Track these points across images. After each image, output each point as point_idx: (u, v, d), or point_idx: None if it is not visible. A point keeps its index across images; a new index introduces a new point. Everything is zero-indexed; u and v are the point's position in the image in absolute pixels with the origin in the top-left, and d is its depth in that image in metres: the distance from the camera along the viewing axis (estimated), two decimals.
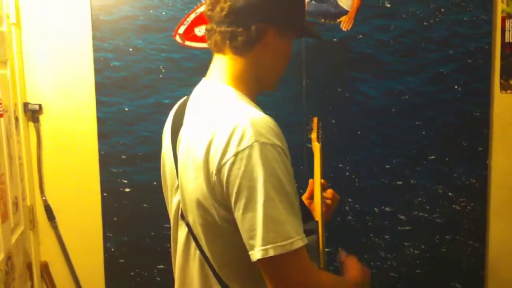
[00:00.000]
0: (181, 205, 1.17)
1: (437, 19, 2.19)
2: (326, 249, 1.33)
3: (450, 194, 2.28)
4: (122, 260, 2.29)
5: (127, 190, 2.27)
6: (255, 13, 1.13)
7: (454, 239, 2.30)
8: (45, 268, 2.29)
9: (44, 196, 2.27)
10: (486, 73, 2.22)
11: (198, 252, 1.15)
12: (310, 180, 1.48)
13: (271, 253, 0.98)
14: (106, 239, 2.29)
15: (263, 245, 0.98)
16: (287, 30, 1.19)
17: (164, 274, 2.29)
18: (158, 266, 2.30)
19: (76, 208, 2.29)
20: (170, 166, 1.22)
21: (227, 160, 1.01)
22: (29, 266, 2.19)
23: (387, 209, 2.29)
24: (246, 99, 1.14)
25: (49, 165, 2.27)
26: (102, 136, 2.24)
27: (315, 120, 1.60)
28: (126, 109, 2.22)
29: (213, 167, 1.03)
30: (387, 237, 2.30)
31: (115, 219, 2.28)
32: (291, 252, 0.99)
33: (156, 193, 2.23)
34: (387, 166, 2.27)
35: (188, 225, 1.15)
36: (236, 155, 1.00)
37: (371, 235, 2.30)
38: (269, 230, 0.98)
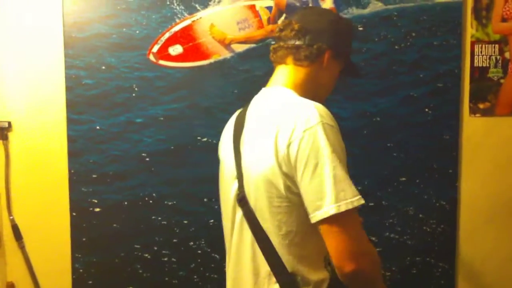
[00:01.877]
0: (239, 191, 1.34)
1: (408, 43, 2.23)
2: None
3: (420, 215, 2.30)
4: (90, 282, 2.24)
5: (97, 209, 2.23)
6: (319, 36, 1.38)
7: (424, 261, 2.31)
8: None
9: (12, 215, 2.22)
10: (455, 97, 2.26)
11: (249, 232, 1.31)
12: None
13: (343, 208, 1.15)
14: (74, 259, 2.24)
15: (336, 202, 1.15)
16: (339, 57, 1.42)
17: None
18: None
19: (44, 228, 2.24)
20: (230, 162, 1.39)
21: (296, 137, 1.20)
22: None
23: None
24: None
25: (17, 183, 2.22)
26: (73, 154, 2.20)
27: None
28: (98, 127, 2.20)
29: (283, 145, 1.21)
30: None
31: (84, 239, 2.23)
32: (355, 209, 1.17)
33: (126, 213, 2.24)
34: (359, 188, 2.24)
35: (244, 207, 1.32)
36: (304, 131, 1.19)
37: None
38: (340, 189, 1.16)
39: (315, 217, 1.18)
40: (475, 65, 2.25)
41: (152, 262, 2.24)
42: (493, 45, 2.24)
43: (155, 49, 2.16)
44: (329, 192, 1.16)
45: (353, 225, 1.18)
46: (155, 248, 2.24)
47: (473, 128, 2.28)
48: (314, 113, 1.22)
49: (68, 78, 2.17)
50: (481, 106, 2.27)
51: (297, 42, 1.38)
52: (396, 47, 2.23)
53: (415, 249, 2.30)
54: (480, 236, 2.32)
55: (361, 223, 1.22)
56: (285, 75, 1.40)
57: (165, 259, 2.25)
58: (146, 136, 2.20)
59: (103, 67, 2.17)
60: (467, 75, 2.26)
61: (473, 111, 2.27)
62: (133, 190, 2.20)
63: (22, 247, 2.23)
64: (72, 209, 2.22)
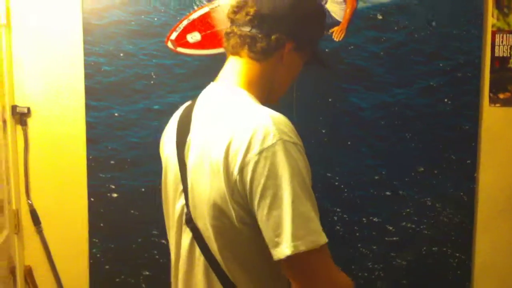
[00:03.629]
0: (185, 210, 1.17)
1: (428, 32, 2.20)
2: None
3: (437, 206, 2.29)
4: (107, 267, 2.27)
5: (115, 195, 2.25)
6: (279, 24, 1.17)
7: (441, 251, 2.31)
8: (29, 273, 2.26)
9: (30, 200, 2.24)
10: (475, 87, 2.24)
11: (202, 257, 1.14)
12: None
13: (303, 248, 0.99)
14: (92, 244, 2.26)
15: (293, 241, 0.98)
16: (302, 48, 1.24)
17: (150, 282, 2.27)
18: (144, 273, 2.28)
19: (62, 213, 2.26)
20: (174, 171, 1.22)
21: (251, 159, 1.01)
22: (12, 271, 2.16)
23: (375, 219, 2.30)
24: (258, 102, 1.16)
25: (36, 169, 2.24)
26: (91, 140, 2.21)
27: None
28: (116, 114, 2.21)
29: (233, 167, 1.03)
30: (375, 247, 2.30)
31: (102, 224, 2.25)
32: (319, 248, 1.01)
33: (144, 200, 2.25)
34: (376, 177, 2.28)
35: (193, 230, 1.15)
36: (260, 153, 1.00)
37: (359, 245, 2.30)
38: (298, 226, 0.99)
39: (274, 255, 1.02)
40: (495, 55, 2.22)
41: (168, 248, 2.25)
42: None
43: (173, 36, 2.16)
44: (287, 228, 0.99)
45: (318, 265, 1.03)
46: None
47: (493, 118, 2.26)
48: (271, 128, 1.02)
49: (87, 65, 2.17)
50: (501, 96, 2.24)
51: (253, 31, 1.17)
52: (416, 36, 2.21)
53: (431, 239, 2.30)
54: (497, 228, 2.31)
55: (330, 258, 1.06)
56: (237, 71, 1.19)
57: None
58: (164, 123, 2.18)
59: (122, 54, 2.18)
60: (488, 65, 2.23)
61: (493, 101, 2.25)
62: (151, 176, 2.21)
63: (40, 231, 2.26)
64: (90, 195, 2.24)
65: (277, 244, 1.00)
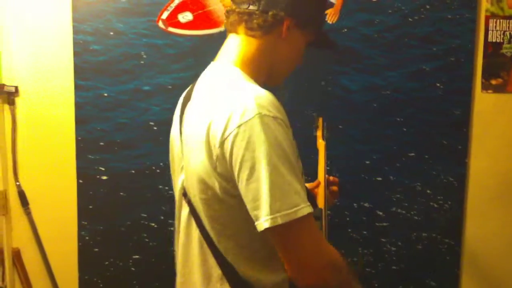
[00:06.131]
0: (184, 183, 1.20)
1: (422, 16, 2.19)
2: None
3: (428, 191, 2.29)
4: (96, 249, 2.25)
5: (104, 177, 2.23)
6: (276, 1, 1.17)
7: (430, 237, 2.31)
8: (17, 255, 2.24)
9: (18, 182, 2.22)
10: (468, 72, 2.23)
11: (197, 231, 1.16)
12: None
13: (279, 221, 0.99)
14: (80, 227, 2.24)
15: (270, 214, 0.99)
16: (303, 27, 1.22)
17: (139, 265, 2.26)
18: (134, 256, 2.26)
19: (50, 195, 2.24)
20: (178, 148, 1.24)
21: (230, 133, 1.02)
22: (0, 252, 2.14)
23: (366, 204, 2.29)
24: (252, 80, 1.16)
25: (24, 149, 2.22)
26: (80, 121, 2.19)
27: (320, 119, 1.72)
28: (105, 94, 2.18)
29: (215, 141, 1.05)
30: (365, 232, 2.30)
31: (91, 207, 2.23)
32: (299, 219, 1.00)
33: (133, 182, 2.23)
34: (367, 162, 2.27)
35: (189, 203, 1.18)
36: (239, 127, 1.01)
37: (349, 230, 2.30)
38: (275, 198, 0.99)
39: (257, 226, 1.02)
40: (488, 40, 2.21)
41: (158, 231, 2.24)
42: (507, 20, 2.20)
43: (165, 15, 2.13)
44: (264, 201, 0.99)
45: (300, 237, 1.03)
46: (162, 217, 2.24)
47: (485, 104, 2.25)
48: (252, 103, 1.03)
49: (75, 43, 2.15)
50: (493, 82, 2.24)
51: (251, 7, 1.17)
52: (410, 19, 2.19)
53: (421, 224, 2.30)
54: (487, 214, 2.31)
55: (315, 229, 1.06)
56: (234, 48, 1.19)
57: (171, 228, 2.24)
58: (153, 104, 2.18)
59: (111, 33, 2.15)
60: (481, 50, 2.22)
61: (485, 87, 2.24)
62: (140, 159, 2.19)
63: (28, 213, 2.24)
64: (79, 177, 2.22)
65: (257, 217, 1.01)
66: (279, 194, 1.00)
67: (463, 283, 2.33)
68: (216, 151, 1.05)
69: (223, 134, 1.03)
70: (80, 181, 2.22)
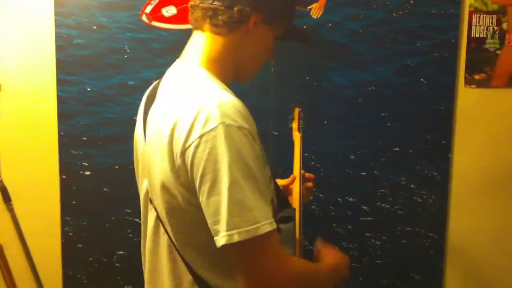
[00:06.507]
0: (148, 189, 1.15)
1: (407, 11, 2.20)
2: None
3: (412, 186, 2.30)
4: (80, 245, 2.24)
5: (88, 173, 2.21)
6: None
7: (415, 231, 2.32)
8: (0, 251, 2.22)
9: (0, 177, 2.19)
10: (452, 67, 2.24)
11: (166, 236, 1.12)
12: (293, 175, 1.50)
13: (236, 238, 0.95)
14: (64, 223, 2.22)
15: (227, 230, 0.95)
16: (271, 22, 1.16)
17: (123, 261, 2.25)
18: (118, 252, 2.25)
19: (33, 190, 2.22)
20: (141, 150, 1.19)
21: (192, 142, 0.97)
22: None
23: (351, 199, 2.30)
24: (218, 82, 1.10)
25: (6, 144, 2.19)
26: (63, 116, 2.17)
27: (297, 110, 1.66)
28: (89, 89, 2.16)
29: (177, 150, 1.00)
30: (350, 227, 2.31)
31: (74, 202, 2.22)
32: (257, 237, 0.95)
33: (117, 177, 2.21)
34: (352, 157, 2.28)
35: (155, 209, 1.13)
36: (201, 137, 0.97)
37: (334, 225, 2.31)
38: (234, 214, 0.95)
39: (216, 241, 0.97)
40: (472, 35, 2.22)
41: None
42: (491, 15, 2.21)
43: (148, 9, 2.11)
44: (223, 216, 0.95)
45: (257, 255, 0.98)
46: None
47: (468, 99, 2.27)
48: (214, 112, 0.97)
49: (58, 37, 2.12)
50: (476, 77, 2.25)
51: (215, 3, 1.11)
52: (394, 14, 2.20)
53: (406, 219, 2.31)
54: (471, 208, 2.33)
55: (276, 247, 1.00)
56: (199, 46, 1.14)
57: None
58: (138, 99, 2.11)
59: (95, 27, 2.13)
60: (464, 45, 2.23)
61: (469, 82, 2.25)
62: (125, 154, 2.17)
63: (10, 209, 2.21)
64: (62, 172, 2.20)
65: (216, 232, 0.97)
66: (238, 210, 0.95)
67: (447, 277, 2.35)
68: (177, 160, 1.01)
69: (184, 143, 0.99)
70: (64, 176, 2.20)
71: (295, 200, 1.43)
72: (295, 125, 1.62)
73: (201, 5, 1.13)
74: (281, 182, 1.48)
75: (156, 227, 1.15)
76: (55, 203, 2.21)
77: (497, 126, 2.30)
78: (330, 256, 1.27)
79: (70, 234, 2.23)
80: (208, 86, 1.07)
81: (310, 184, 1.53)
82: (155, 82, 1.25)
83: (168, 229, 1.10)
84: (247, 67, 1.20)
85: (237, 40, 1.14)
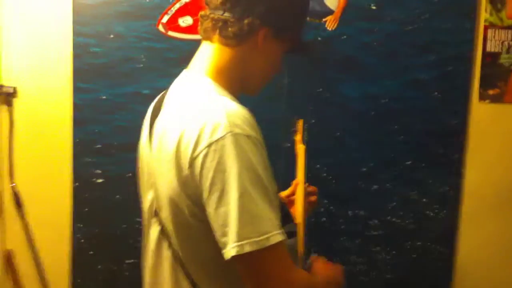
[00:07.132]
0: (154, 202, 1.14)
1: (421, 24, 2.20)
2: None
3: (424, 200, 2.29)
4: (91, 252, 2.24)
5: (100, 180, 2.21)
6: (252, 8, 1.10)
7: (425, 246, 2.31)
8: (9, 257, 2.22)
9: (13, 183, 2.20)
10: (465, 82, 2.24)
11: (170, 252, 1.10)
12: (294, 181, 1.46)
13: (247, 249, 0.93)
14: (76, 229, 2.23)
15: (238, 241, 0.93)
16: (280, 36, 1.16)
17: (133, 269, 2.24)
18: (127, 261, 2.25)
19: (45, 197, 2.22)
20: (147, 162, 1.18)
21: (200, 152, 0.96)
22: None
23: (361, 212, 2.29)
24: (225, 93, 1.10)
25: (20, 150, 2.20)
26: (78, 123, 2.18)
27: (300, 122, 1.61)
28: (104, 97, 2.17)
29: (185, 160, 0.99)
30: (359, 241, 2.30)
31: (86, 209, 2.22)
32: (268, 248, 0.95)
33: (130, 185, 2.19)
34: (364, 169, 2.27)
35: (161, 223, 1.12)
36: (209, 146, 0.96)
37: (343, 238, 2.30)
38: (244, 224, 0.93)
39: (224, 254, 0.96)
40: (487, 50, 2.23)
41: None
42: (506, 30, 2.21)
43: (165, 19, 2.13)
44: (233, 227, 0.93)
45: (267, 266, 0.97)
46: None
47: (481, 114, 2.26)
48: (222, 120, 0.96)
49: (76, 45, 2.14)
50: (490, 92, 2.25)
51: (225, 14, 1.10)
52: (409, 28, 2.20)
53: (416, 233, 2.30)
54: (482, 224, 2.32)
55: (285, 258, 0.99)
56: (207, 57, 1.14)
57: None
58: None
59: (111, 36, 2.14)
60: (479, 59, 2.23)
61: (482, 97, 2.25)
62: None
63: (22, 215, 2.22)
64: (75, 179, 2.21)
65: (224, 244, 0.96)
66: (249, 220, 0.94)
67: None
68: (185, 171, 0.99)
69: (192, 153, 0.97)
70: (76, 183, 2.21)
71: (297, 213, 1.40)
72: (298, 137, 1.58)
73: (212, 15, 1.13)
74: (283, 193, 1.46)
75: (159, 242, 1.13)
76: (67, 210, 2.22)
77: (510, 142, 2.29)
78: (322, 269, 1.24)
79: (82, 241, 2.23)
80: (214, 96, 1.06)
81: (313, 198, 1.50)
82: (161, 94, 1.26)
83: (174, 242, 1.09)
84: (254, 79, 1.19)
85: (246, 53, 1.13)
